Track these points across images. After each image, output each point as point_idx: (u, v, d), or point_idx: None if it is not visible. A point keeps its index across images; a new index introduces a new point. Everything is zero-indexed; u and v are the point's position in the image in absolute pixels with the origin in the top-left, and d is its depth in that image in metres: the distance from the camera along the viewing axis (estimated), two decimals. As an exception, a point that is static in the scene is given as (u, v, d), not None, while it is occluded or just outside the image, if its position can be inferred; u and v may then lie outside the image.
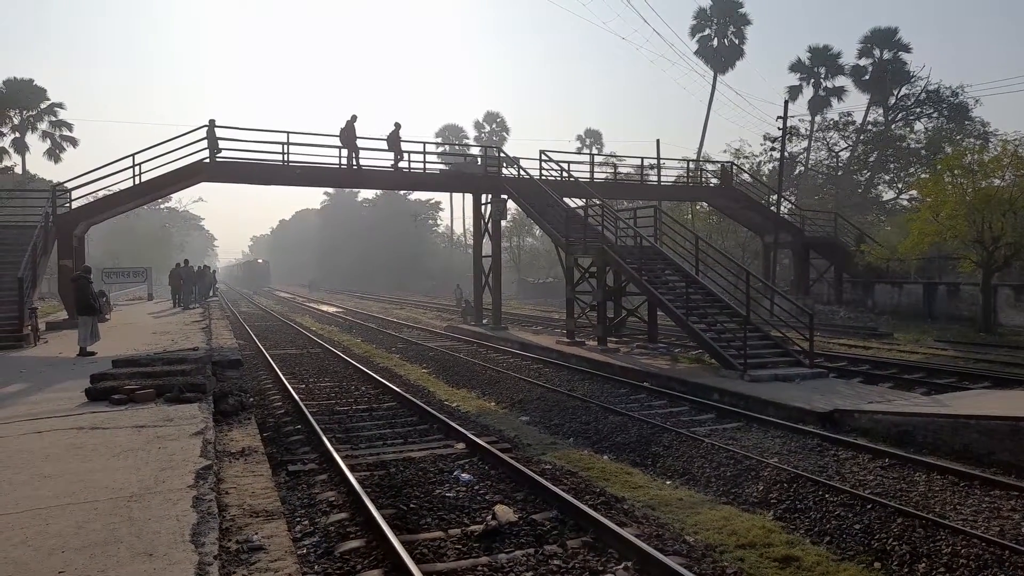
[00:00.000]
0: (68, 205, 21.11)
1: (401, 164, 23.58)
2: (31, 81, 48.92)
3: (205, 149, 20.97)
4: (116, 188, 21.28)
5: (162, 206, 77.09)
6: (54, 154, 50.33)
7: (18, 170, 47.78)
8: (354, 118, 22.99)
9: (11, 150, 48.65)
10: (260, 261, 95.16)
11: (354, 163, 22.99)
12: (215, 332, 19.44)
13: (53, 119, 50.04)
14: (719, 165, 30.63)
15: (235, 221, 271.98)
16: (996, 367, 15.05)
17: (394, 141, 23.40)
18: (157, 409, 8.39)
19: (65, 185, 21.43)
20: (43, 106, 49.58)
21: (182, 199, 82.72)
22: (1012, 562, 5.50)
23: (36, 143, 50.39)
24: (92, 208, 21.51)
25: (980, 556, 5.62)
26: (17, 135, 49.05)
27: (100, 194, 21.62)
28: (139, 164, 20.39)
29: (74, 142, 51.06)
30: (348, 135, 22.84)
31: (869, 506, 6.75)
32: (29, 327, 15.84)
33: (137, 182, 20.54)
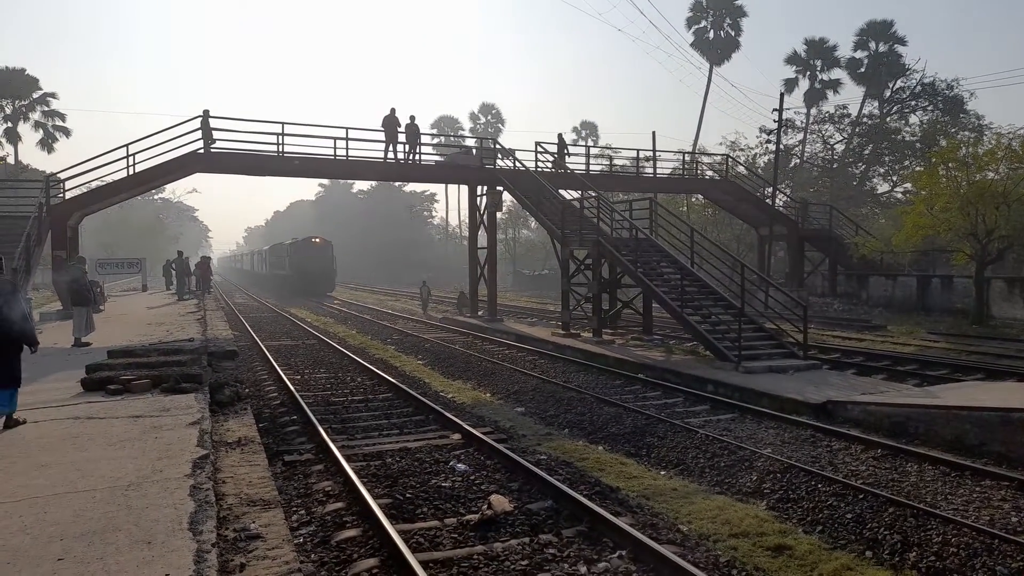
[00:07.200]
0: (62, 195, 21.04)
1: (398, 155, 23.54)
2: (23, 71, 48.61)
3: (200, 140, 20.92)
4: (110, 178, 21.23)
5: (155, 197, 76.95)
6: (47, 144, 50.09)
7: (11, 160, 47.55)
8: (393, 111, 23.14)
9: (3, 140, 48.47)
10: (316, 241, 46.17)
11: (391, 155, 23.07)
12: (210, 323, 19.42)
13: (46, 109, 49.76)
14: (715, 158, 30.66)
15: (230, 212, 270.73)
16: (989, 359, 15.15)
17: (392, 128, 23.24)
18: (153, 399, 8.40)
19: (59, 176, 21.35)
20: (35, 96, 49.28)
21: (175, 190, 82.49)
22: (1001, 551, 5.56)
23: (28, 133, 50.15)
24: (86, 198, 21.44)
25: (970, 545, 5.69)
26: (9, 125, 48.81)
27: (94, 184, 21.56)
28: (134, 155, 20.34)
29: (67, 132, 50.83)
30: (390, 127, 22.87)
31: (861, 496, 6.80)
32: (23, 318, 15.79)
33: (131, 172, 20.48)
